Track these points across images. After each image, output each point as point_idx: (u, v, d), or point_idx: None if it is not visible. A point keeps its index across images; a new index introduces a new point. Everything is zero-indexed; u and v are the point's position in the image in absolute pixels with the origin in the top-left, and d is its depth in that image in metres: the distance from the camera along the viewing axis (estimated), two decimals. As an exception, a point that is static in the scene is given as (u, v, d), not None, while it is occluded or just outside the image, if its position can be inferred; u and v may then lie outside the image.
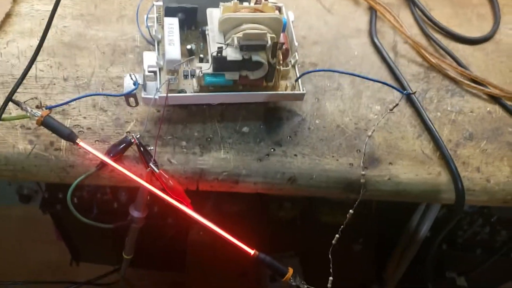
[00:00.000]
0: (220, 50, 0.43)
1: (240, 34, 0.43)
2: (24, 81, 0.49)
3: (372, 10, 0.60)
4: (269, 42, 0.43)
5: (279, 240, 0.93)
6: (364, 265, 1.10)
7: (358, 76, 0.49)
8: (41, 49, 0.51)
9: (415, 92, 0.46)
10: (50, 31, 0.53)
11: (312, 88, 0.53)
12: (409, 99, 0.53)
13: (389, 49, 0.58)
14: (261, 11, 0.45)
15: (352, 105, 0.52)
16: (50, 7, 0.55)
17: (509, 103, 0.54)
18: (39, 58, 0.51)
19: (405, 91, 0.43)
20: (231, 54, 0.43)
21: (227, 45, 0.43)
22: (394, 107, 0.45)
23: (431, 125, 0.51)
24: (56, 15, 0.54)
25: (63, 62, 0.51)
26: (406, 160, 0.49)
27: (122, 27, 0.55)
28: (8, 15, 0.54)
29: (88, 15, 0.55)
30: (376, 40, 0.57)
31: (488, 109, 0.54)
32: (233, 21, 0.44)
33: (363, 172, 0.44)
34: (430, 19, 0.61)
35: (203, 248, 0.85)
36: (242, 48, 0.43)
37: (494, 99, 0.55)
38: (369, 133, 0.46)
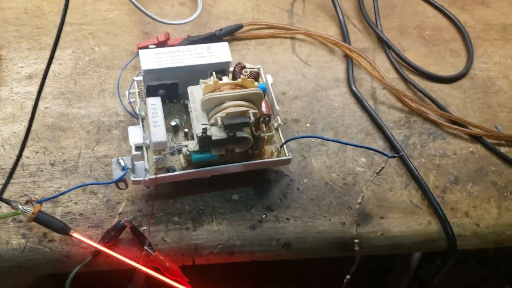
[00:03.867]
0: (204, 130, 0.43)
1: (223, 114, 0.43)
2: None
3: (348, 58, 0.62)
4: (252, 118, 0.43)
5: (275, 270, 0.93)
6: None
7: (344, 143, 0.50)
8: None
9: (400, 154, 0.47)
10: (30, 114, 0.53)
11: (297, 146, 0.54)
12: (393, 147, 0.54)
13: (368, 96, 0.59)
14: (241, 85, 0.46)
15: (338, 159, 0.53)
16: (29, 89, 0.56)
17: (490, 141, 0.56)
18: (24, 144, 0.51)
19: (389, 154, 0.44)
20: (216, 133, 0.43)
21: (211, 125, 0.44)
22: (380, 170, 0.46)
23: (417, 173, 0.52)
24: (35, 97, 0.55)
25: (48, 146, 0.51)
26: (396, 212, 0.50)
27: (104, 102, 0.55)
28: (-12, 102, 0.54)
29: (68, 93, 0.56)
30: (354, 89, 0.58)
31: (470, 149, 0.55)
32: (215, 100, 0.44)
33: (356, 240, 0.45)
34: (405, 61, 0.62)
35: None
36: (226, 127, 0.43)
37: (476, 138, 0.56)
38: (359, 200, 0.46)
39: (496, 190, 0.52)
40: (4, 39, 0.60)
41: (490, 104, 0.60)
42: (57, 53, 0.59)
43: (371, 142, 0.55)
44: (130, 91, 0.52)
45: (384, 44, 0.64)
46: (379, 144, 0.55)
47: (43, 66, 0.57)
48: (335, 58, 0.63)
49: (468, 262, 0.97)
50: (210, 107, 0.45)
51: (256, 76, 0.52)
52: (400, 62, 0.63)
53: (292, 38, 0.64)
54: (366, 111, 0.57)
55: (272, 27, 0.64)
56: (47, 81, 0.56)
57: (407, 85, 0.61)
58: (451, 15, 0.68)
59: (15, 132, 0.52)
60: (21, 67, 0.57)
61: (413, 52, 0.64)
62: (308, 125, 0.56)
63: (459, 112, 0.58)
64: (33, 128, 0.52)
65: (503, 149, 0.55)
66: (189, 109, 0.47)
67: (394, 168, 0.53)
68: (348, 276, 0.44)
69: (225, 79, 0.47)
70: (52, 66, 0.58)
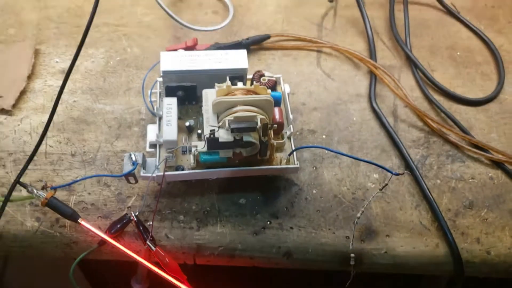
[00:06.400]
0: (212, 132, 0.45)
1: (231, 117, 0.44)
2: (35, 157, 0.52)
3: (371, 74, 0.61)
4: (259, 123, 0.44)
5: (298, 282, 0.92)
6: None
7: (350, 156, 0.50)
8: (52, 124, 0.55)
9: (403, 173, 0.46)
10: (60, 106, 0.57)
11: (310, 156, 0.54)
12: (408, 166, 0.53)
13: (388, 113, 0.58)
14: (254, 92, 0.47)
15: (350, 173, 0.53)
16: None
17: (512, 168, 0.54)
18: (49, 134, 0.54)
19: (394, 172, 0.44)
20: (223, 135, 0.44)
21: (219, 127, 0.45)
22: (384, 187, 0.46)
23: (429, 194, 0.51)
24: (67, 90, 0.58)
25: (72, 137, 0.54)
26: (403, 232, 0.49)
27: (128, 100, 0.58)
28: (23, 92, 0.57)
29: (96, 89, 0.58)
30: (375, 105, 0.58)
31: (490, 175, 0.54)
32: (225, 104, 0.45)
33: (352, 255, 0.45)
34: (431, 81, 0.61)
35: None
36: (233, 130, 0.44)
37: (497, 164, 0.54)
38: (358, 215, 0.46)
39: (512, 219, 0.50)
40: (44, 35, 0.63)
41: (517, 130, 0.58)
42: (91, 51, 0.62)
43: (386, 159, 0.54)
44: (153, 91, 0.54)
45: (411, 62, 0.63)
46: (394, 162, 0.54)
47: (78, 63, 0.61)
48: (359, 73, 0.62)
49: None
50: (220, 110, 0.46)
51: (273, 84, 0.53)
52: (426, 82, 0.62)
53: (318, 51, 0.65)
54: (385, 128, 0.57)
55: (299, 39, 0.65)
56: (78, 76, 0.60)
57: (431, 105, 0.60)
58: (485, 38, 0.67)
59: (43, 122, 0.55)
60: (57, 62, 0.61)
61: (442, 72, 0.63)
62: (324, 136, 0.56)
63: (483, 137, 0.57)
64: (60, 119, 0.56)
65: (525, 178, 0.53)
66: (202, 111, 0.48)
67: (407, 187, 0.52)
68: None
69: (240, 85, 0.49)
70: (85, 63, 0.61)
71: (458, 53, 0.66)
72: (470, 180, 0.53)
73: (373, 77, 0.61)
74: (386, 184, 0.45)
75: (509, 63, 0.64)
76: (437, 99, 0.60)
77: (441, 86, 0.61)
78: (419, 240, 0.49)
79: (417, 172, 0.52)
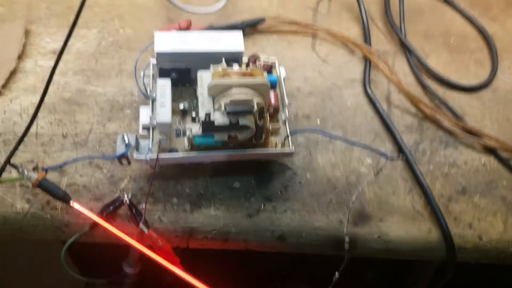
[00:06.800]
0: (208, 115, 0.44)
1: (227, 100, 0.44)
2: (25, 138, 0.51)
3: (366, 59, 0.61)
4: (256, 107, 0.44)
5: (289, 266, 0.93)
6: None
7: (344, 140, 0.50)
8: (43, 105, 0.54)
9: (399, 158, 0.46)
10: (52, 87, 0.55)
11: (304, 140, 0.54)
12: (401, 151, 0.53)
13: (382, 99, 0.58)
14: (250, 74, 0.46)
15: (343, 158, 0.53)
16: (53, 63, 0.57)
17: (504, 154, 0.54)
18: (40, 115, 0.53)
19: (388, 156, 0.44)
20: (219, 118, 0.44)
21: (215, 110, 0.44)
22: (379, 172, 0.46)
23: (422, 179, 0.51)
24: (58, 71, 0.56)
25: (63, 118, 0.53)
26: (397, 216, 0.49)
27: (121, 82, 0.57)
28: (13, 72, 0.56)
29: (88, 70, 0.57)
30: (369, 91, 0.58)
31: (482, 161, 0.54)
32: (221, 86, 0.45)
33: (347, 239, 0.45)
34: (425, 66, 0.61)
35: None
36: (229, 113, 0.44)
37: (489, 150, 0.55)
38: (353, 199, 0.46)
39: (504, 205, 0.51)
40: (35, 15, 0.62)
41: (510, 117, 0.58)
42: (83, 32, 0.61)
43: (380, 144, 0.54)
44: (146, 72, 0.53)
45: (405, 48, 0.63)
46: (388, 147, 0.54)
47: (70, 44, 0.60)
48: (354, 58, 0.62)
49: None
50: (216, 92, 0.45)
51: (268, 68, 0.52)
52: (419, 68, 0.62)
53: (313, 36, 0.64)
54: (378, 113, 0.56)
55: (294, 23, 0.64)
56: (70, 57, 0.59)
57: (425, 91, 0.60)
58: (479, 25, 0.67)
59: (34, 103, 0.54)
60: (48, 42, 0.60)
61: (435, 58, 0.63)
62: (319, 121, 0.56)
63: (476, 123, 0.57)
64: (51, 101, 0.55)
65: (517, 164, 0.54)
66: (197, 93, 0.48)
67: (400, 173, 0.52)
68: (336, 275, 0.43)
69: (236, 67, 0.48)
70: (77, 44, 0.60)
71: (452, 40, 0.66)
72: (463, 166, 0.53)
73: (368, 63, 0.61)
74: (381, 169, 0.45)
75: (502, 51, 0.65)
76: (430, 85, 0.60)
77: (434, 72, 0.61)
78: (412, 225, 0.49)
79: (410, 158, 0.52)
